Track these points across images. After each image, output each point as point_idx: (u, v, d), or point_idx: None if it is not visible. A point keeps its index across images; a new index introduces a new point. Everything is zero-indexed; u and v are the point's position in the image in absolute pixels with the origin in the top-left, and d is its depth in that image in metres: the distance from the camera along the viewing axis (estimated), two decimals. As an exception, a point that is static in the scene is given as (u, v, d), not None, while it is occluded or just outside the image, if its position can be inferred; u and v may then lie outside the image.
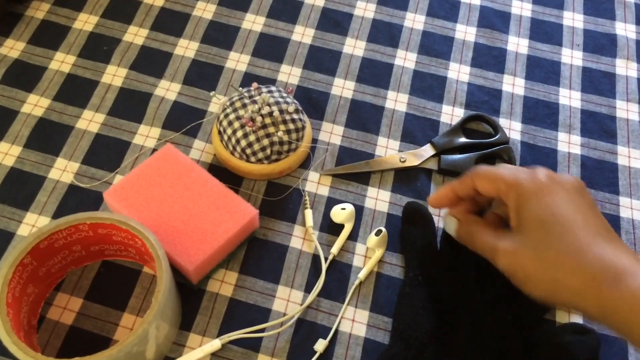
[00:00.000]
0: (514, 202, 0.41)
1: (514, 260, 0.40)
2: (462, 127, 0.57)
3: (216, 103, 0.58)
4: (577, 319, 0.48)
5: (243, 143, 0.51)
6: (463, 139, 0.56)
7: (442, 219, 0.46)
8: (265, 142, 0.51)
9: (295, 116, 0.52)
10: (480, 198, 0.46)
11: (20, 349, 0.39)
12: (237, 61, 0.61)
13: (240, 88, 0.53)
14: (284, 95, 0.53)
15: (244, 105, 0.52)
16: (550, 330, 0.47)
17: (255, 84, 0.53)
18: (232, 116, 0.51)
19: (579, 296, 0.37)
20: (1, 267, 0.41)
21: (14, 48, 0.60)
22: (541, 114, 0.59)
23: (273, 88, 0.54)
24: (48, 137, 0.55)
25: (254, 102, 0.52)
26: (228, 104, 0.53)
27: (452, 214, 0.46)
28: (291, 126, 0.52)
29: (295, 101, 0.54)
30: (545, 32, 0.65)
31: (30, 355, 0.38)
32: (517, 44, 0.64)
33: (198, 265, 0.45)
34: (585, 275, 0.36)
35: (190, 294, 0.48)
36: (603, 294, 0.36)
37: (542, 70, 0.62)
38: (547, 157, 0.56)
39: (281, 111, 0.51)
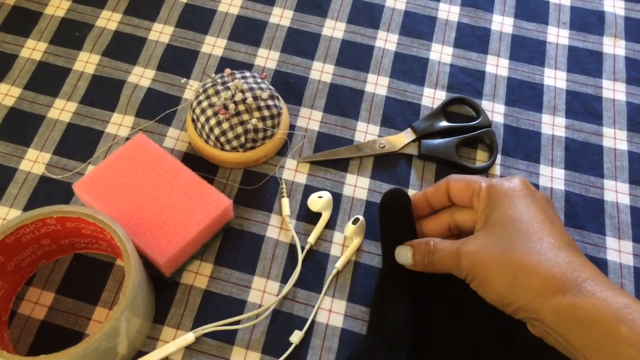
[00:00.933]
0: (484, 204, 0.41)
1: (477, 257, 0.39)
2: (444, 111, 0.56)
3: (190, 90, 0.56)
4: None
5: (216, 131, 0.49)
6: (444, 123, 0.54)
7: (396, 254, 0.45)
8: (239, 129, 0.49)
9: (270, 102, 0.51)
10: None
11: (-15, 347, 0.38)
12: (213, 45, 0.59)
13: (213, 75, 0.52)
14: (258, 81, 0.52)
15: (217, 92, 0.50)
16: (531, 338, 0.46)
17: (228, 70, 0.51)
18: (205, 104, 0.50)
19: (536, 299, 0.36)
20: (-35, 264, 0.40)
21: (-17, 36, 0.58)
22: (525, 95, 0.57)
23: (247, 74, 0.52)
24: (19, 127, 0.54)
25: (227, 88, 0.50)
26: (201, 91, 0.51)
27: (404, 245, 0.45)
28: (266, 113, 0.50)
29: (271, 87, 0.52)
30: (530, 10, 0.63)
31: (-5, 353, 0.38)
32: (502, 23, 0.62)
33: (170, 258, 0.44)
34: (547, 276, 0.36)
35: (163, 287, 0.47)
36: (560, 300, 0.35)
37: (527, 50, 0.60)
38: (530, 140, 0.55)
39: (255, 97, 0.50)
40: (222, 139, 0.50)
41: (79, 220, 0.43)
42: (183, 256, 0.46)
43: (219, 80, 0.51)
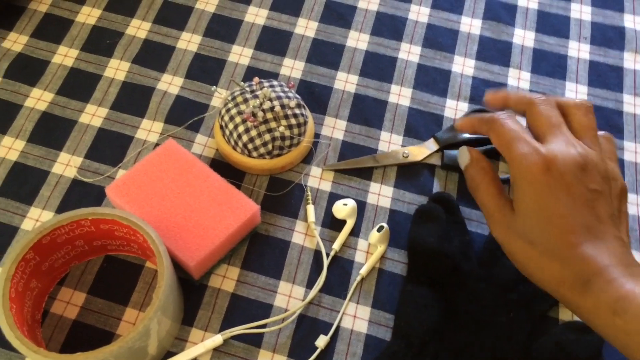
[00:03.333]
0: (512, 178, 0.41)
1: (504, 241, 0.40)
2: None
3: (218, 97, 0.57)
4: (580, 316, 0.48)
5: (244, 138, 0.51)
6: (467, 134, 0.55)
7: (458, 151, 0.46)
8: (267, 137, 0.51)
9: (297, 111, 0.52)
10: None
11: (22, 343, 0.39)
12: (240, 55, 0.60)
13: (242, 82, 0.53)
14: (286, 89, 0.53)
15: (246, 100, 0.51)
16: (552, 329, 0.47)
17: (256, 79, 0.52)
18: (233, 111, 0.51)
19: (556, 294, 0.38)
20: (4, 263, 0.41)
21: (17, 42, 0.60)
22: (546, 108, 0.58)
23: (275, 82, 0.53)
24: (51, 131, 0.55)
25: (256, 96, 0.52)
26: (230, 98, 0.52)
27: (469, 149, 0.45)
28: (293, 121, 0.52)
29: (297, 96, 0.54)
30: (552, 24, 0.64)
31: (32, 349, 0.39)
32: (523, 37, 0.63)
33: (199, 261, 0.45)
34: (561, 278, 0.37)
35: (192, 289, 0.48)
36: (574, 300, 0.37)
37: (549, 64, 0.61)
38: (551, 152, 0.55)
39: (282, 106, 0.51)
40: (250, 146, 0.51)
41: (113, 223, 0.44)
42: (212, 260, 0.47)
43: (248, 89, 0.52)
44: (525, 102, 0.43)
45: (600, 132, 0.43)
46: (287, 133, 0.51)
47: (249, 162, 0.52)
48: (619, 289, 0.35)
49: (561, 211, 0.38)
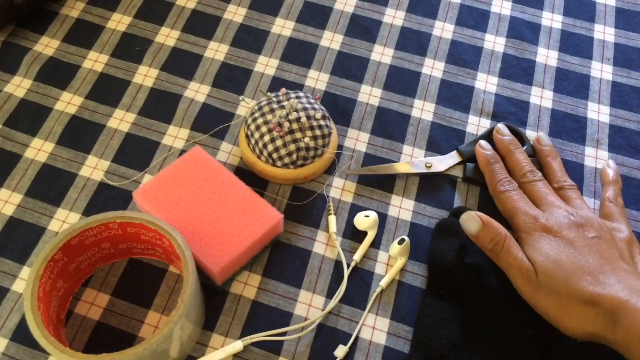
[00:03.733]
0: (522, 241, 0.47)
1: (532, 292, 0.44)
2: (489, 137, 0.57)
3: (244, 107, 0.58)
4: (599, 335, 0.48)
5: (270, 147, 0.51)
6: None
7: (465, 217, 0.48)
8: (292, 147, 0.51)
9: (322, 122, 0.53)
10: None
11: (50, 342, 0.40)
12: (266, 65, 0.61)
13: (269, 93, 0.54)
14: (312, 101, 0.54)
15: (272, 110, 0.52)
16: (570, 347, 0.47)
17: (283, 89, 0.53)
18: (260, 120, 0.52)
19: (592, 338, 0.42)
20: (33, 262, 0.42)
21: (48, 46, 0.61)
22: (568, 127, 0.59)
23: (301, 94, 0.54)
24: (80, 134, 0.56)
25: (282, 107, 0.52)
26: (256, 108, 0.53)
27: (477, 214, 0.47)
28: (318, 132, 0.52)
29: (322, 107, 0.54)
30: (575, 44, 0.64)
31: (59, 349, 0.39)
32: (547, 56, 0.63)
33: (223, 267, 0.46)
34: (591, 320, 0.41)
35: (213, 295, 0.49)
36: (607, 337, 0.41)
37: (571, 83, 0.62)
38: (573, 171, 0.56)
39: (308, 117, 0.52)
40: (275, 155, 0.52)
41: (140, 226, 0.45)
42: (235, 266, 0.48)
43: (274, 99, 0.53)
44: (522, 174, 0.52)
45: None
46: (312, 144, 0.52)
47: (273, 172, 0.53)
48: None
49: (570, 261, 0.43)
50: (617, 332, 0.39)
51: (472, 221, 0.47)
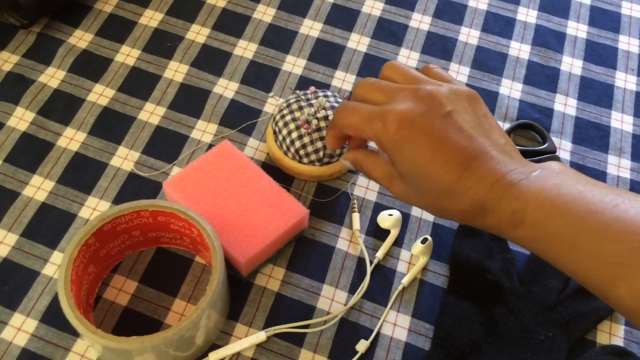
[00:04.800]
0: (381, 150, 0.41)
1: (407, 199, 0.40)
2: (511, 135, 0.58)
3: (272, 104, 0.59)
4: (618, 341, 0.49)
5: (297, 144, 0.52)
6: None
7: (342, 164, 0.46)
8: (319, 144, 0.52)
9: (349, 121, 0.54)
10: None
11: (82, 324, 0.41)
12: (294, 64, 0.63)
13: (298, 91, 0.55)
14: (339, 100, 0.55)
15: (300, 108, 0.53)
16: (589, 352, 0.47)
17: (312, 88, 0.54)
18: (288, 117, 0.53)
19: (464, 222, 0.38)
20: (68, 245, 0.44)
21: (82, 39, 0.63)
22: (592, 135, 0.59)
23: (328, 93, 0.55)
24: (111, 126, 0.57)
25: (310, 105, 0.53)
26: (285, 105, 0.54)
27: (343, 158, 0.45)
28: (345, 131, 0.53)
29: None
30: (599, 54, 0.65)
31: (90, 330, 0.41)
32: (571, 65, 0.64)
33: (249, 258, 0.47)
34: (460, 211, 0.37)
35: (238, 286, 0.49)
36: (478, 222, 0.37)
37: (595, 92, 0.62)
38: (595, 178, 0.56)
39: None
40: (302, 152, 0.53)
41: (170, 215, 0.46)
42: (260, 258, 0.49)
43: (303, 97, 0.54)
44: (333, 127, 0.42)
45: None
46: (339, 142, 0.53)
47: (299, 168, 0.54)
48: (509, 205, 0.34)
49: (429, 157, 0.36)
50: (488, 220, 0.36)
51: (345, 163, 0.45)
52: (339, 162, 0.54)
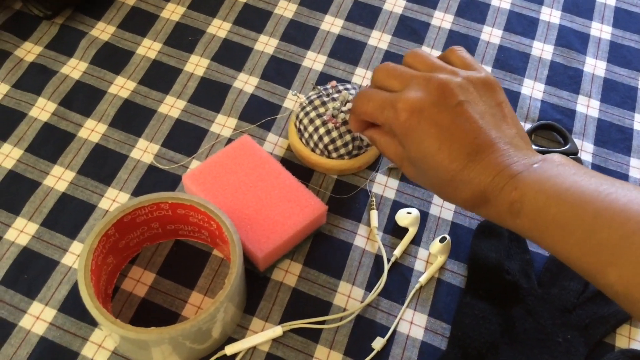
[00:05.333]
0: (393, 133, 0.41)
1: (416, 180, 0.42)
2: (533, 135, 0.57)
3: (292, 99, 0.59)
4: (637, 345, 0.48)
5: (326, 140, 0.52)
6: (532, 146, 0.56)
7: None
8: (347, 137, 0.52)
9: (371, 112, 0.54)
10: None
11: (101, 313, 0.41)
12: (314, 61, 0.62)
13: (319, 87, 0.55)
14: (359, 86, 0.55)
15: (324, 103, 0.53)
16: (608, 356, 0.47)
17: (333, 82, 0.54)
18: (313, 114, 0.53)
19: (470, 209, 0.39)
20: (88, 235, 0.44)
21: (104, 31, 0.63)
22: (614, 137, 0.58)
23: (349, 85, 0.55)
24: (132, 118, 0.58)
25: (333, 99, 0.53)
26: (307, 102, 0.54)
27: (364, 133, 0.46)
28: (369, 122, 0.53)
29: None
30: (623, 56, 0.64)
31: (109, 320, 0.41)
32: (594, 66, 0.63)
33: (267, 253, 0.47)
34: (463, 200, 0.38)
35: (256, 281, 0.50)
36: (481, 212, 0.38)
37: (618, 95, 0.61)
38: (617, 181, 0.56)
39: None
40: (331, 147, 0.52)
41: (190, 208, 0.46)
42: (278, 253, 0.49)
43: (324, 92, 0.54)
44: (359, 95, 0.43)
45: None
46: (366, 133, 0.53)
47: (328, 163, 0.54)
48: (508, 195, 0.35)
49: (436, 147, 0.37)
50: (490, 210, 0.37)
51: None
52: (367, 153, 0.54)
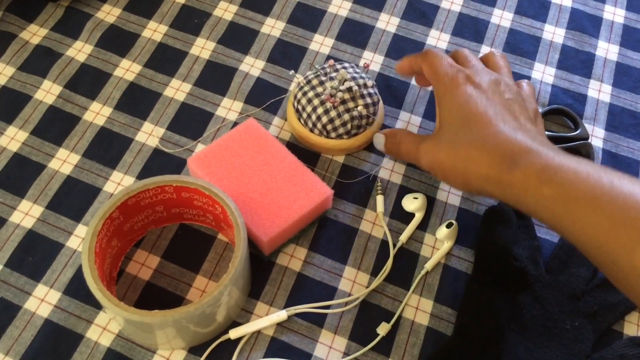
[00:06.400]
0: (436, 97, 0.47)
1: (433, 157, 0.44)
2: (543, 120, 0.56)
3: (295, 82, 0.59)
4: (646, 333, 0.47)
5: (324, 119, 0.52)
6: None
7: (374, 139, 0.53)
8: (346, 117, 0.52)
9: (371, 90, 0.53)
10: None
11: (104, 296, 0.41)
12: (321, 44, 0.62)
13: (316, 66, 0.54)
14: (358, 70, 0.54)
15: (322, 83, 0.53)
16: (615, 343, 0.46)
17: (331, 61, 0.54)
18: (311, 94, 0.52)
19: (487, 183, 0.40)
20: (92, 218, 0.44)
21: (110, 13, 0.63)
22: (626, 123, 0.57)
23: (346, 64, 0.55)
24: (137, 101, 0.57)
25: (331, 78, 0.53)
26: (304, 82, 0.54)
27: (380, 132, 0.52)
28: (368, 100, 0.53)
29: (369, 76, 0.55)
30: (636, 40, 0.63)
31: (113, 302, 0.41)
32: (607, 50, 0.62)
33: (272, 237, 0.47)
34: (489, 162, 0.39)
35: (260, 265, 0.49)
36: (503, 178, 0.39)
37: (631, 79, 0.60)
38: (628, 167, 0.55)
39: (359, 86, 0.52)
40: (329, 127, 0.52)
41: (194, 192, 0.46)
42: (283, 237, 0.49)
43: (321, 72, 0.54)
44: (421, 58, 0.49)
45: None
46: (365, 112, 0.52)
47: (328, 143, 0.53)
48: (546, 160, 0.37)
49: (482, 109, 0.42)
50: (514, 173, 0.38)
51: (378, 139, 0.52)
52: (366, 132, 0.53)
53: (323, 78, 0.53)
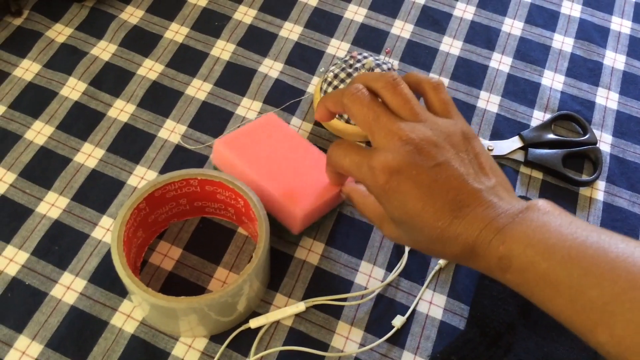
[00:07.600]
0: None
1: (396, 238, 0.41)
2: (552, 125, 0.58)
3: (313, 84, 0.61)
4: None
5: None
6: (552, 135, 0.57)
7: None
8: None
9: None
10: None
11: (133, 282, 0.42)
12: (337, 48, 0.64)
13: (339, 59, 0.56)
14: (379, 57, 0.57)
15: (349, 75, 0.55)
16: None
17: (355, 52, 0.56)
18: (341, 87, 0.54)
19: (459, 261, 0.38)
20: (121, 208, 0.45)
21: (133, 15, 0.65)
22: (633, 130, 0.59)
23: (366, 54, 0.57)
24: (160, 99, 0.59)
25: (357, 69, 0.55)
26: (332, 76, 0.55)
27: (341, 191, 0.49)
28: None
29: (391, 61, 0.57)
30: (643, 50, 0.65)
31: (142, 288, 0.42)
32: (614, 59, 0.64)
33: (307, 212, 0.48)
34: (452, 255, 0.37)
35: (279, 259, 0.51)
36: (470, 263, 0.37)
37: (637, 88, 0.62)
38: (636, 172, 0.57)
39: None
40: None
41: (218, 185, 0.48)
42: (314, 216, 0.50)
43: (345, 65, 0.56)
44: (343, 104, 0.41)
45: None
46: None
47: (348, 128, 0.55)
48: (496, 250, 0.35)
49: (420, 207, 0.37)
50: (479, 264, 0.37)
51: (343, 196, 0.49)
52: None
53: (349, 70, 0.55)
